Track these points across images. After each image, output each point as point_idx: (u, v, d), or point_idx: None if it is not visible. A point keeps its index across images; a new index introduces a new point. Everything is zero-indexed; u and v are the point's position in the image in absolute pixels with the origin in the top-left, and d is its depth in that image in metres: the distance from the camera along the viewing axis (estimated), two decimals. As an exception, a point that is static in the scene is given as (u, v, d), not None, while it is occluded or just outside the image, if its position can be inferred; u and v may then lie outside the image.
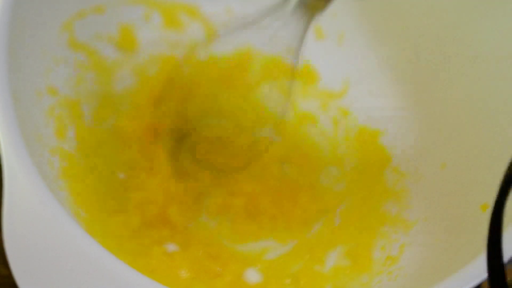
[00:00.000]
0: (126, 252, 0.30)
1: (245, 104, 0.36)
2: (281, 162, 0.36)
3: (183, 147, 0.35)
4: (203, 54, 0.36)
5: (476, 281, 0.23)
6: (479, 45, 0.31)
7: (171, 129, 0.35)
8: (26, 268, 0.23)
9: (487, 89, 0.31)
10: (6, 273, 0.23)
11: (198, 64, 0.35)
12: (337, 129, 0.36)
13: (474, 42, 0.31)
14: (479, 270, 0.23)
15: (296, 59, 0.31)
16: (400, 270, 0.29)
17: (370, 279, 0.30)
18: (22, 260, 0.23)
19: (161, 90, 0.35)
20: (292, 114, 0.36)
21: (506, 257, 0.23)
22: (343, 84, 0.36)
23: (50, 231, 0.22)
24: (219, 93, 0.36)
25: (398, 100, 0.35)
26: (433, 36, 0.33)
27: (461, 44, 0.32)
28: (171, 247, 0.32)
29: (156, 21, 0.35)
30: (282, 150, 0.36)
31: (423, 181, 0.33)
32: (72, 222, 0.23)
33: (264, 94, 0.36)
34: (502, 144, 0.29)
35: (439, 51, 0.33)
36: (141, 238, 0.32)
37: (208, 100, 0.36)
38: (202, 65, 0.36)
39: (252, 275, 0.32)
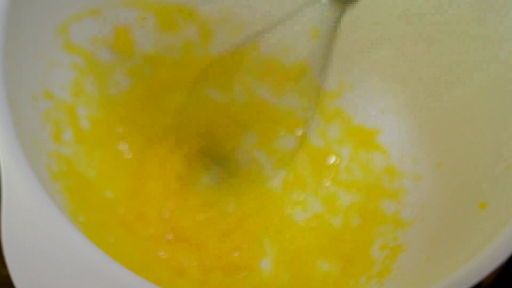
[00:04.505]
0: (125, 255, 0.30)
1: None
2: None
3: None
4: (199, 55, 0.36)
5: (475, 280, 0.23)
6: (476, 46, 0.31)
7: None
8: (24, 271, 0.23)
9: (484, 88, 0.31)
10: (6, 273, 0.23)
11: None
12: (333, 129, 0.36)
13: (471, 42, 0.32)
14: (478, 268, 0.23)
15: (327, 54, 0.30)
16: (399, 270, 0.29)
17: (369, 279, 0.30)
18: (20, 262, 0.23)
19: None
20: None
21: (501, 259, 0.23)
22: (339, 84, 0.36)
23: (47, 234, 0.22)
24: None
25: (395, 99, 0.35)
26: (432, 36, 0.33)
27: (459, 44, 0.32)
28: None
29: (152, 23, 0.34)
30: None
31: (420, 180, 0.33)
32: (70, 225, 0.23)
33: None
34: (499, 142, 0.29)
35: (436, 51, 0.33)
36: (139, 241, 0.32)
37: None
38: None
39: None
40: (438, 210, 0.31)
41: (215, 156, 0.36)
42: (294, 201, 0.35)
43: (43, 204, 0.23)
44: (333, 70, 0.36)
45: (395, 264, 0.30)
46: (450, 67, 0.32)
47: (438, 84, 0.33)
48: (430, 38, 0.33)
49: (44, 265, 0.22)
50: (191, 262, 0.32)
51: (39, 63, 0.29)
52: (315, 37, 0.36)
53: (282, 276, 0.32)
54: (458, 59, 0.32)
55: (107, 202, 0.32)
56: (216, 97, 0.36)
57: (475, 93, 0.31)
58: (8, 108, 0.24)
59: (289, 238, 0.34)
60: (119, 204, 0.32)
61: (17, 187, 0.23)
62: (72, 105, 0.31)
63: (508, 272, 0.33)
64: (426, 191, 0.32)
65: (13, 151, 0.23)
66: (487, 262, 0.23)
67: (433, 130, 0.33)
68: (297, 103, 0.36)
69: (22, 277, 0.22)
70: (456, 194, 0.30)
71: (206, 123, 0.36)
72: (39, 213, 0.22)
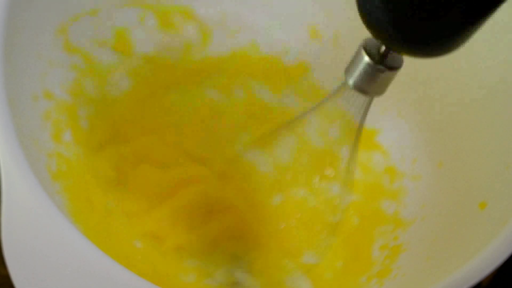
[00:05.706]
0: (124, 254, 0.30)
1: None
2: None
3: None
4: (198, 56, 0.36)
5: (475, 280, 0.23)
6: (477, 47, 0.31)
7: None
8: (24, 271, 0.23)
9: (484, 88, 0.31)
10: (6, 273, 0.23)
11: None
12: (333, 129, 0.36)
13: (472, 43, 0.32)
14: (478, 268, 0.23)
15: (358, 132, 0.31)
16: (399, 270, 0.29)
17: (369, 279, 0.30)
18: (20, 262, 0.23)
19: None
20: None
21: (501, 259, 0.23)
22: (338, 84, 0.36)
23: (47, 234, 0.22)
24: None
25: (395, 99, 0.35)
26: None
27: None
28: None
29: (151, 24, 0.34)
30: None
31: (421, 180, 0.33)
32: (69, 225, 0.22)
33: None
34: (499, 142, 0.29)
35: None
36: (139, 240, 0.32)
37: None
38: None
39: None
40: (438, 210, 0.31)
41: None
42: (293, 201, 0.35)
43: (43, 204, 0.23)
44: (332, 70, 0.36)
45: (395, 264, 0.30)
46: (451, 67, 0.32)
47: (438, 84, 0.33)
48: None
49: (44, 265, 0.22)
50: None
51: (39, 63, 0.29)
52: (315, 37, 0.36)
53: None
54: (458, 59, 0.32)
55: (107, 202, 0.32)
56: (215, 98, 0.36)
57: (475, 93, 0.31)
58: (8, 108, 0.24)
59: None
60: (119, 204, 0.32)
61: (17, 187, 0.23)
62: (72, 105, 0.31)
63: (507, 272, 0.33)
64: (426, 191, 0.32)
65: (13, 151, 0.23)
66: (487, 262, 0.23)
67: (433, 130, 0.33)
68: (297, 103, 0.37)
69: (22, 277, 0.23)
70: (456, 194, 0.30)
71: (201, 126, 0.36)
72: (39, 213, 0.22)
